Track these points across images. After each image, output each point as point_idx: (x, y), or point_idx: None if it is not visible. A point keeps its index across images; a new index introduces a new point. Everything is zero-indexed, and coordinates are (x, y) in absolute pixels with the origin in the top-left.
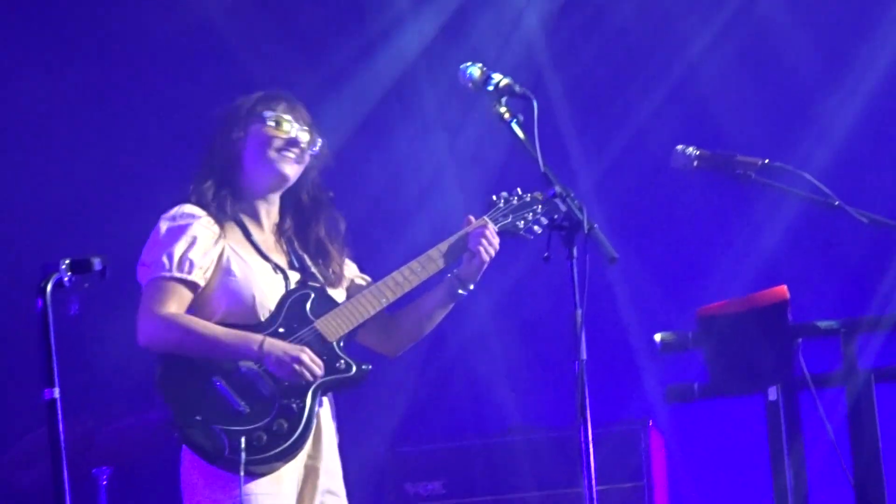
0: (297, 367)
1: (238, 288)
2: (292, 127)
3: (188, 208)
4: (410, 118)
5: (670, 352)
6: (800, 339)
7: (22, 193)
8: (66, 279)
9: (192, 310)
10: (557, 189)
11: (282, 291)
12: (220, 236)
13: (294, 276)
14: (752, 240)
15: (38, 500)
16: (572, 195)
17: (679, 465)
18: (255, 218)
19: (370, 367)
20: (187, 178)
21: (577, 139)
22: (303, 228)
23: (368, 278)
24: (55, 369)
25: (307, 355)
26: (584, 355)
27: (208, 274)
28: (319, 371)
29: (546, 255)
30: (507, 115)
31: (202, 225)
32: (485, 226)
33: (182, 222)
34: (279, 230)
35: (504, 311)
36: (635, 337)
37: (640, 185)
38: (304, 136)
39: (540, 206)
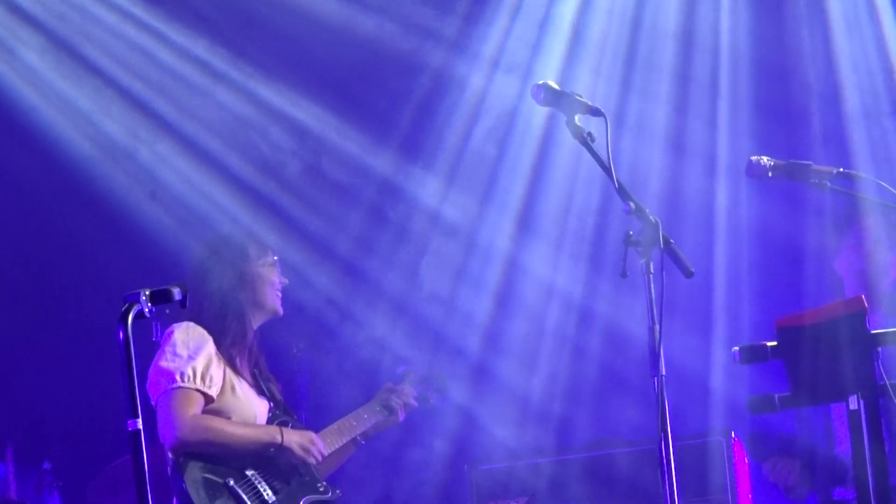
0: (313, 448)
1: (241, 406)
2: (280, 272)
3: (197, 328)
4: None
5: (750, 363)
6: (879, 348)
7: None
8: (146, 310)
9: None
10: (632, 205)
11: (265, 412)
12: (221, 360)
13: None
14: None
15: None
16: (647, 210)
17: (762, 477)
18: (242, 345)
19: (339, 492)
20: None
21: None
22: (258, 358)
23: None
24: (138, 400)
25: (318, 441)
26: (663, 371)
27: (218, 390)
28: (324, 454)
29: (623, 271)
30: (580, 132)
31: (212, 345)
32: (407, 391)
33: (198, 340)
34: (249, 358)
35: (584, 324)
36: (715, 348)
37: (718, 195)
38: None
39: (441, 381)
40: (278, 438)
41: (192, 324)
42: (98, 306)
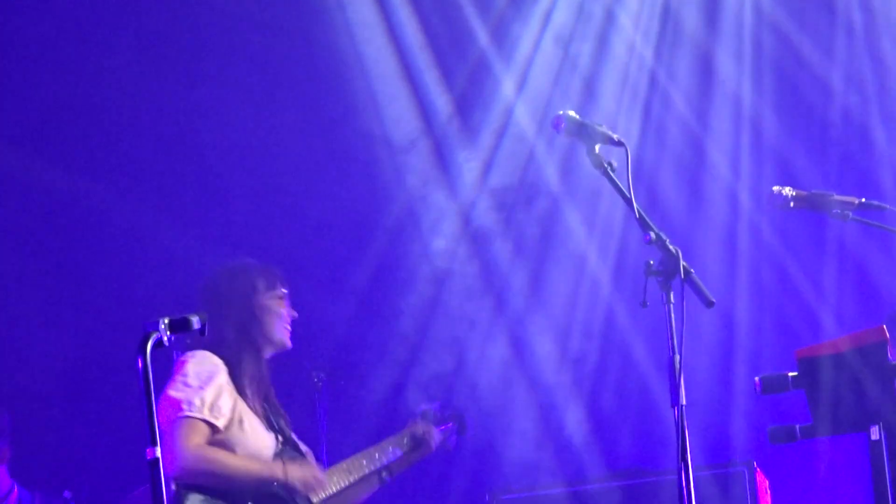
0: (315, 483)
1: (247, 440)
2: (290, 305)
3: (213, 357)
4: None
5: (771, 393)
6: None
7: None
8: (165, 339)
9: None
10: (652, 235)
11: (272, 447)
12: (233, 391)
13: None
14: (848, 279)
15: None
16: (668, 240)
17: None
18: (254, 377)
19: None
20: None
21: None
22: (267, 390)
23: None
24: (157, 428)
25: (321, 475)
26: (683, 400)
27: (226, 422)
28: (326, 489)
29: (644, 300)
30: (601, 162)
31: (225, 376)
32: (432, 433)
33: (210, 369)
34: (259, 391)
35: (606, 353)
36: (737, 379)
37: (738, 226)
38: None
39: (460, 421)
40: (280, 474)
41: (206, 353)
42: (120, 332)
